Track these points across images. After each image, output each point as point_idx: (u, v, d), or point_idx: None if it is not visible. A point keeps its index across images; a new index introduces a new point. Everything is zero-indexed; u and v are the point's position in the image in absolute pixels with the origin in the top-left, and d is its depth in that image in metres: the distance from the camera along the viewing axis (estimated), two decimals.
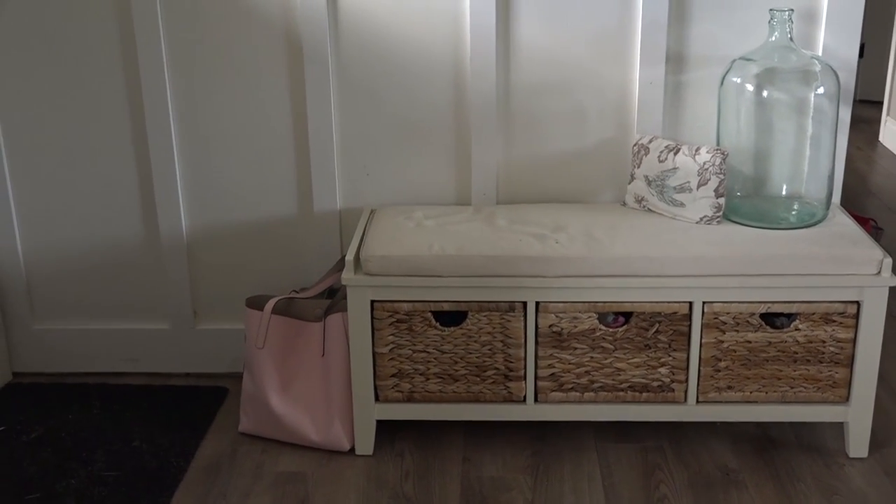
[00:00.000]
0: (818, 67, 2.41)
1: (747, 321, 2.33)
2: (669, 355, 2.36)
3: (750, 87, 2.43)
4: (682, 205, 2.47)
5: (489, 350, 2.38)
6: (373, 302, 2.35)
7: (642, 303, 2.32)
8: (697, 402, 2.40)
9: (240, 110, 2.63)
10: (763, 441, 2.52)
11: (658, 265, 2.30)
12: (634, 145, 2.56)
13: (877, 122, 5.34)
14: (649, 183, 2.52)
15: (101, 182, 2.71)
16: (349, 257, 2.35)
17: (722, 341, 2.34)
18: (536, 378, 2.40)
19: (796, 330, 2.33)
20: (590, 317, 2.34)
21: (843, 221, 2.48)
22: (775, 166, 2.51)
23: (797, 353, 2.35)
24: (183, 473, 2.41)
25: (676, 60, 2.56)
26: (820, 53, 2.51)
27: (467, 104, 2.59)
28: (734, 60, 2.45)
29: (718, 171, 2.40)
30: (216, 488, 2.36)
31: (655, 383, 2.39)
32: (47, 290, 2.84)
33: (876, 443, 2.46)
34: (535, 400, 2.42)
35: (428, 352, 2.39)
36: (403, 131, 2.64)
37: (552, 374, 2.39)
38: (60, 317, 2.86)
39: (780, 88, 2.43)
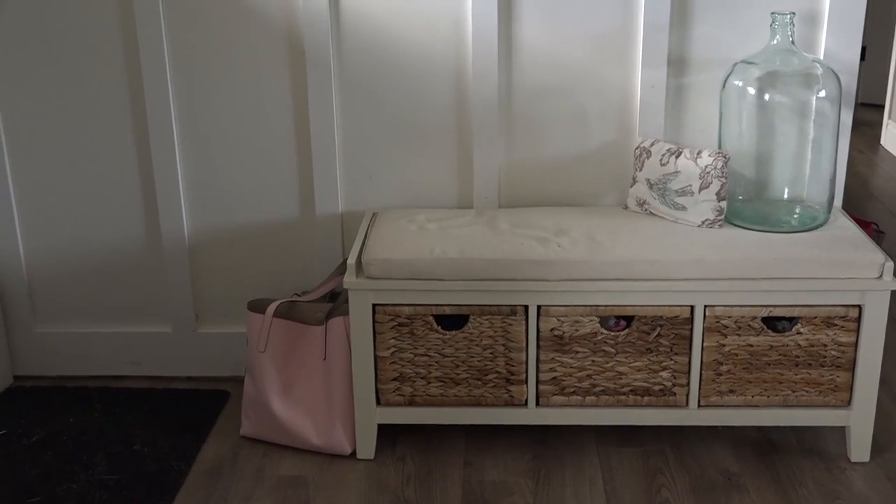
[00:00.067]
0: (820, 71, 2.41)
1: (749, 325, 2.33)
2: (671, 359, 2.36)
3: (751, 91, 2.43)
4: (683, 208, 2.46)
5: (491, 354, 2.38)
6: (374, 305, 2.34)
7: (644, 306, 2.32)
8: (699, 405, 2.40)
9: (242, 112, 2.63)
10: (765, 445, 2.52)
11: (660, 269, 2.30)
12: (636, 148, 2.56)
13: (878, 125, 5.34)
14: (651, 186, 2.52)
15: (103, 185, 2.72)
16: (351, 261, 2.35)
17: (723, 345, 2.34)
18: (538, 382, 2.39)
19: (798, 334, 2.33)
20: (591, 320, 2.34)
21: (844, 225, 2.48)
22: (777, 170, 2.51)
23: (799, 357, 2.35)
24: (184, 477, 2.41)
25: (678, 63, 2.56)
26: (821, 57, 2.51)
27: (469, 107, 2.59)
28: (736, 63, 2.45)
29: (720, 175, 2.40)
30: (217, 492, 2.36)
31: (657, 387, 2.39)
32: (49, 292, 2.84)
33: (878, 447, 2.45)
34: (537, 404, 2.42)
35: (429, 355, 2.39)
36: (405, 134, 2.64)
37: (554, 377, 2.39)
38: (62, 320, 2.86)
39: (781, 92, 2.43)
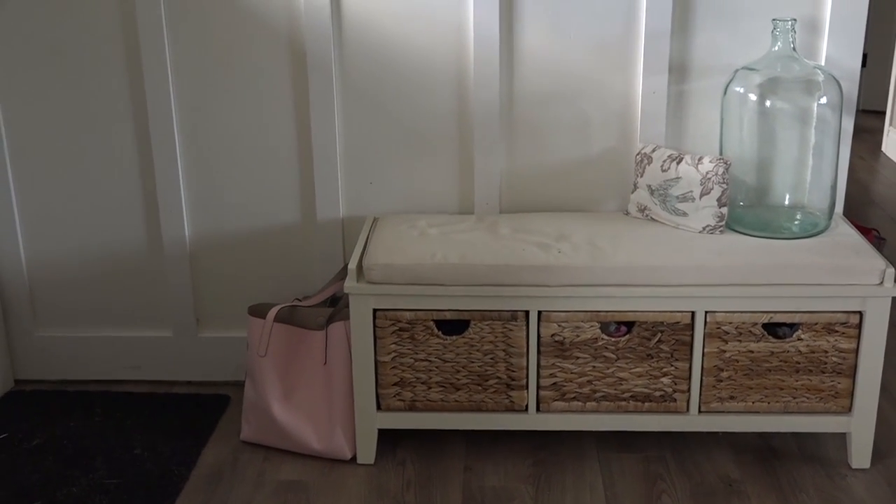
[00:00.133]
0: (821, 77, 2.42)
1: (750, 331, 2.33)
2: (672, 365, 2.36)
3: (753, 97, 2.43)
4: (684, 214, 2.47)
5: (491, 359, 2.38)
6: (375, 310, 2.35)
7: (645, 312, 2.32)
8: (700, 412, 2.40)
9: (243, 118, 2.64)
10: (765, 451, 2.52)
11: (660, 274, 2.30)
12: (637, 154, 2.56)
13: (879, 131, 5.34)
14: (652, 192, 2.52)
15: (105, 190, 2.72)
16: (352, 265, 2.35)
17: (724, 351, 2.34)
18: (538, 387, 2.39)
19: (799, 340, 2.33)
20: (592, 326, 2.34)
21: (845, 231, 2.48)
22: (778, 176, 2.51)
23: (799, 364, 2.35)
24: (184, 481, 2.41)
25: (679, 70, 2.56)
26: (823, 63, 2.51)
27: (470, 113, 2.59)
28: (737, 70, 2.45)
29: (721, 181, 2.40)
30: (217, 496, 2.36)
31: (657, 393, 2.39)
32: (50, 297, 2.84)
33: (878, 453, 2.45)
34: (537, 409, 2.41)
35: (430, 360, 2.39)
36: (407, 140, 2.64)
37: (554, 383, 2.39)
38: (63, 324, 2.86)
39: (782, 98, 2.44)
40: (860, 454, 2.42)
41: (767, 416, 2.40)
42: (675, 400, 2.39)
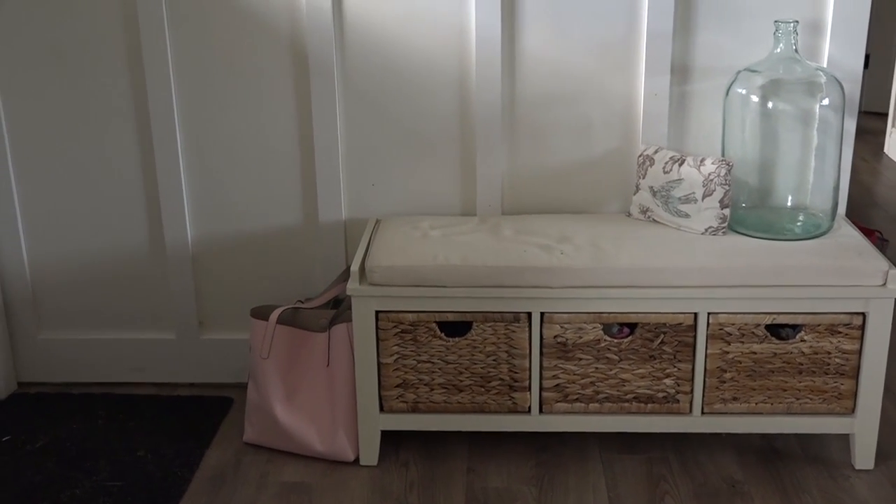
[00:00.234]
0: (823, 79, 2.41)
1: (752, 332, 2.32)
2: (674, 366, 2.36)
3: (755, 99, 2.43)
4: (687, 216, 2.47)
5: (494, 361, 2.38)
6: (378, 312, 2.35)
7: (647, 314, 2.32)
8: (702, 413, 2.39)
9: (245, 120, 2.64)
10: (768, 453, 2.51)
11: (663, 276, 2.30)
12: (639, 156, 2.56)
13: (882, 133, 5.34)
14: (654, 194, 2.52)
15: (107, 192, 2.72)
16: (354, 267, 2.35)
17: (727, 352, 2.34)
18: (541, 389, 2.39)
19: (802, 341, 2.33)
20: (595, 327, 2.34)
21: (848, 233, 2.48)
22: (780, 177, 2.51)
23: (802, 365, 2.35)
24: (187, 484, 2.41)
25: (681, 71, 2.56)
26: (825, 65, 2.51)
27: (473, 115, 2.60)
28: (739, 72, 2.45)
29: (723, 182, 2.40)
30: (220, 498, 2.36)
31: (660, 394, 2.39)
32: (53, 299, 2.84)
33: (882, 454, 2.45)
34: (540, 411, 2.41)
35: (433, 362, 2.39)
36: (409, 142, 2.64)
37: (557, 384, 2.39)
38: (66, 326, 2.86)
39: (785, 100, 2.44)
40: (864, 455, 2.42)
41: (770, 418, 2.40)
42: (677, 401, 2.39)
